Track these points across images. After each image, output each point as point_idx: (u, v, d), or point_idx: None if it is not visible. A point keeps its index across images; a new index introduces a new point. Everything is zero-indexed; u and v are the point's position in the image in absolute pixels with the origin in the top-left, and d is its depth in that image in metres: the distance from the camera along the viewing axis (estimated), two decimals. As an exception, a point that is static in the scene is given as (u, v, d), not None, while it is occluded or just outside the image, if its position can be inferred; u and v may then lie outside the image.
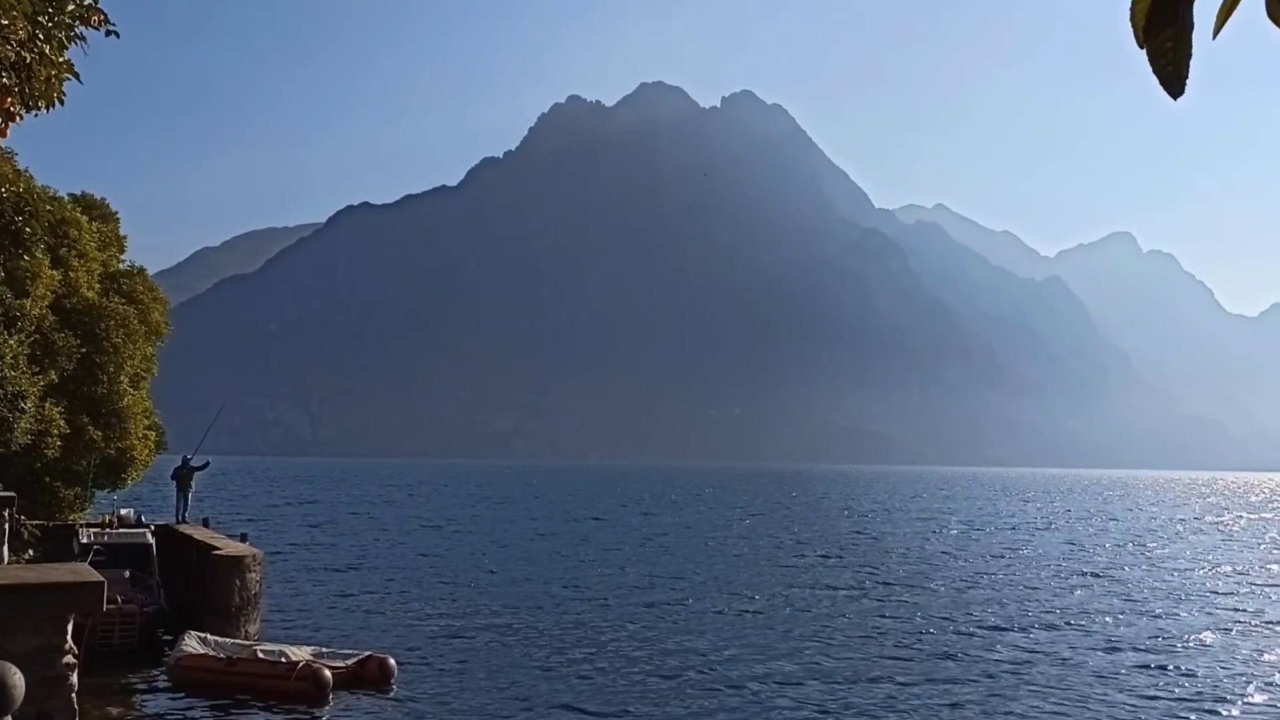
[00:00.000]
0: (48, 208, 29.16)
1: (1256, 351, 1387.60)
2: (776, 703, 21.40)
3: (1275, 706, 21.87)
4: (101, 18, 7.17)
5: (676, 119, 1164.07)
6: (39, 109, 6.89)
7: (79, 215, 32.09)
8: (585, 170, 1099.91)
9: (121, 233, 36.45)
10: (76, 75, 6.97)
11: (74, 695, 8.38)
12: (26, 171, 28.20)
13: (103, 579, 8.30)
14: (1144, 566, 51.00)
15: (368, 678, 22.30)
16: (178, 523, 34.06)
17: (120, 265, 36.14)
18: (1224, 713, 21.29)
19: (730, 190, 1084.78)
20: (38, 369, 28.08)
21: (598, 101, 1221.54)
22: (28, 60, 6.53)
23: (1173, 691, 23.07)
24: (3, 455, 26.44)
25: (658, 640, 27.91)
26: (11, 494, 21.11)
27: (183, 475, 35.46)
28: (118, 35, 7.44)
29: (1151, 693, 22.96)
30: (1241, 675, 24.81)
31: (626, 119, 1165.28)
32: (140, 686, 22.16)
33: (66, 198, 33.17)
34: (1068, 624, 32.25)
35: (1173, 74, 2.44)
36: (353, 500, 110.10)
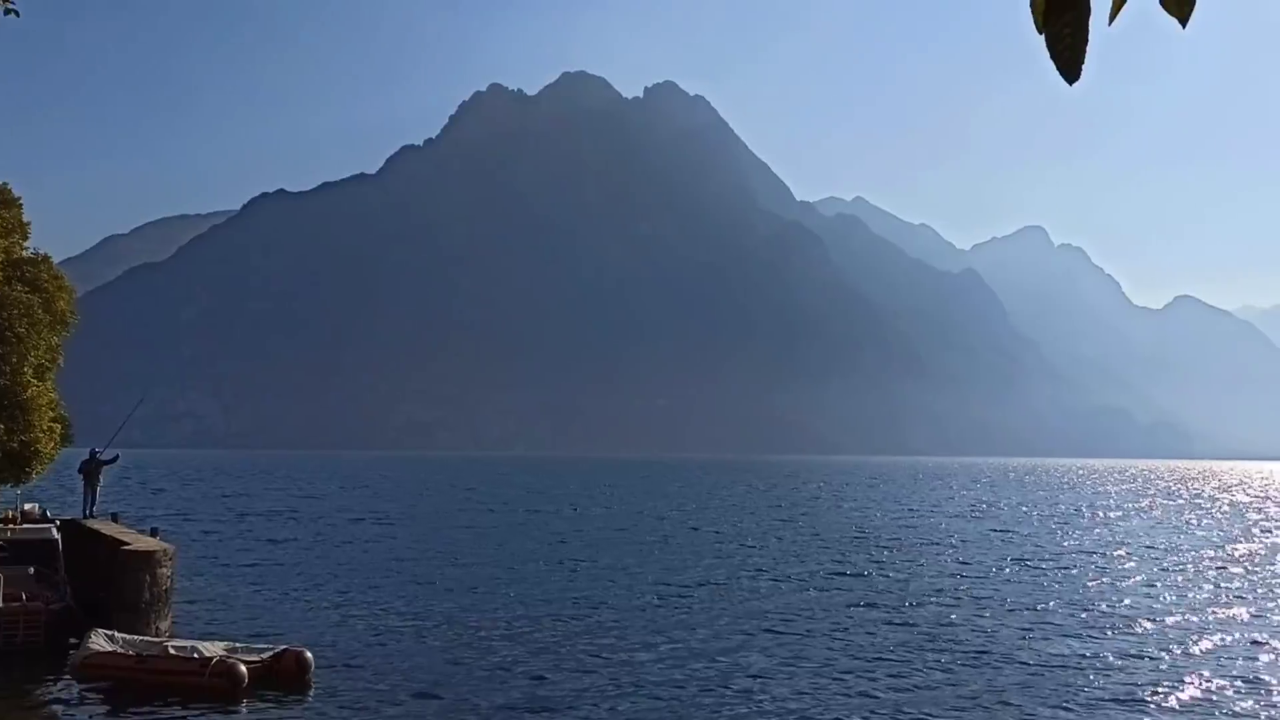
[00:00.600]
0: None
1: (1160, 343, 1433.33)
2: (703, 700, 21.24)
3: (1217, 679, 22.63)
4: None
5: (599, 109, 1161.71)
6: None
7: (-22, 201, 30.94)
8: (507, 159, 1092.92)
9: (24, 219, 35.26)
10: None
11: None
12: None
13: None
14: (1073, 552, 52.38)
15: (284, 672, 21.90)
16: (85, 518, 33.15)
17: (23, 252, 34.94)
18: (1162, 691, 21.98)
19: (653, 181, 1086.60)
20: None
21: (520, 90, 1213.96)
22: None
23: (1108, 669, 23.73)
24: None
25: (583, 634, 27.76)
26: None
27: (90, 469, 34.47)
28: (17, 14, 7.03)
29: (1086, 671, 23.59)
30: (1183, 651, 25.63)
31: (549, 108, 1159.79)
32: (46, 687, 21.52)
33: (-36, 183, 31.97)
34: (1007, 607, 32.98)
35: (1069, 60, 2.53)
36: (268, 494, 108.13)
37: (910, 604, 33.77)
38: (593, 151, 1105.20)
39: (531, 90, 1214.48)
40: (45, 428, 33.37)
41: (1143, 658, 25.48)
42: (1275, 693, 22.02)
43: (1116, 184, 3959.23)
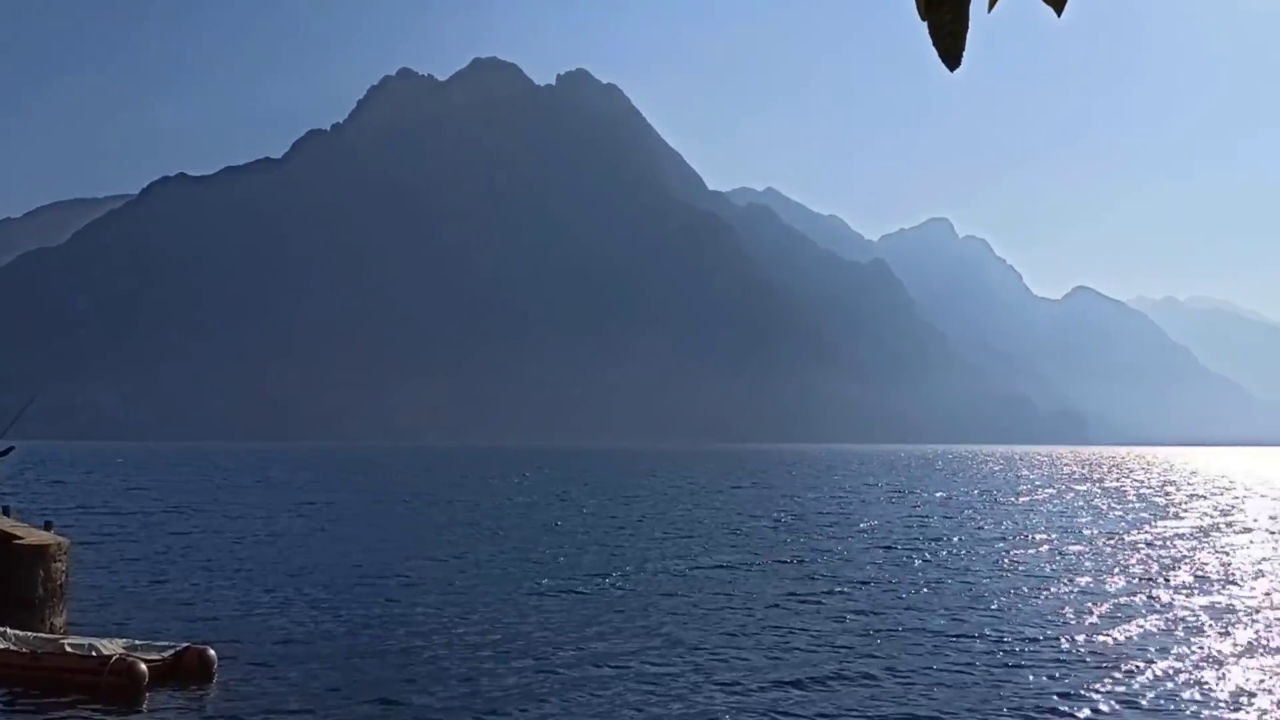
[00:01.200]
0: None
1: (1060, 332, 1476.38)
2: (609, 687, 21.28)
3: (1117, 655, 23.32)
4: None
5: (511, 96, 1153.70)
6: None
7: None
8: (417, 146, 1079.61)
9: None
10: None
11: None
12: None
13: None
14: (978, 536, 53.57)
15: (186, 670, 21.40)
16: (-26, 512, 31.83)
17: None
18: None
19: (566, 170, 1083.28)
20: None
21: (430, 76, 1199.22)
22: None
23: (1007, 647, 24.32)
24: None
25: (494, 626, 27.48)
26: None
27: (-20, 462, 33.11)
28: None
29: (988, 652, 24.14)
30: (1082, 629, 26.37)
31: (459, 95, 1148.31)
32: (-68, 688, 20.66)
33: None
34: (907, 590, 33.59)
35: (950, 46, 2.61)
36: (170, 486, 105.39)
37: (835, 591, 34.27)
38: (504, 139, 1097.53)
39: (442, 76, 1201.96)
40: (-69, 420, 31.99)
41: (1058, 637, 26.31)
42: (1181, 660, 22.91)
43: (1016, 176, 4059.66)
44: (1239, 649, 25.30)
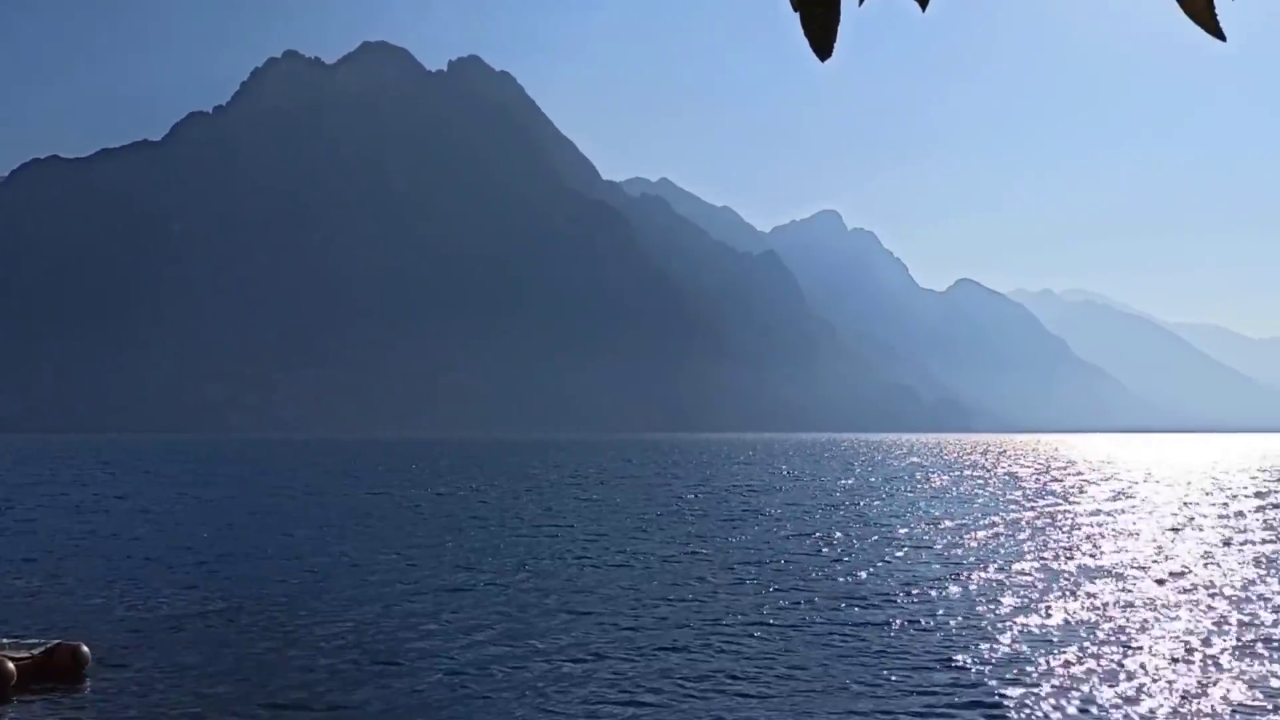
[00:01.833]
0: None
1: (944, 323, 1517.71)
2: (483, 682, 20.87)
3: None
4: None
5: (401, 82, 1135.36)
6: None
7: None
8: (303, 131, 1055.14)
9: None
10: None
11: None
12: None
13: None
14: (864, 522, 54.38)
15: (57, 668, 20.57)
16: None
17: None
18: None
19: (456, 158, 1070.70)
20: None
21: (317, 59, 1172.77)
22: None
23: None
24: None
25: (367, 622, 26.76)
26: None
27: None
28: None
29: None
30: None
31: (348, 79, 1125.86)
32: None
33: None
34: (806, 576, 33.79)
35: (820, 38, 2.69)
36: (37, 480, 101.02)
37: (723, 580, 34.32)
38: (393, 126, 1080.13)
39: (330, 59, 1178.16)
40: None
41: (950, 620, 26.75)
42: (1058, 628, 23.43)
43: (904, 170, 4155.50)
44: (1145, 621, 26.37)
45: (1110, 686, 19.95)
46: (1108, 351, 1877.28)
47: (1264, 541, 44.54)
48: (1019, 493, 78.08)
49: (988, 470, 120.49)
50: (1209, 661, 21.85)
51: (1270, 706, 18.57)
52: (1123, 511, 60.16)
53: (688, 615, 27.17)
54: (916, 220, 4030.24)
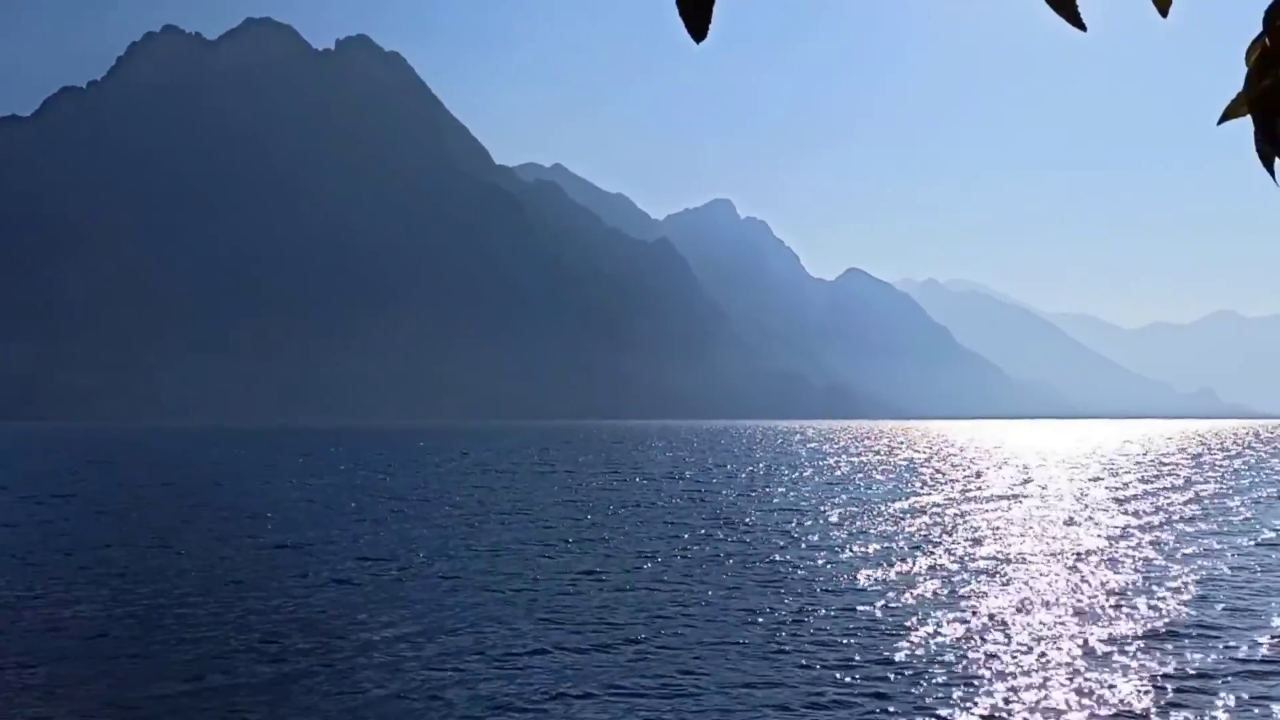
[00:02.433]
0: None
1: (833, 312, 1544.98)
2: (392, 678, 19.26)
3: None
4: None
5: (285, 60, 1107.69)
6: None
7: None
8: (183, 109, 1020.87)
9: None
10: None
11: None
12: None
13: None
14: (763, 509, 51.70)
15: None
16: None
17: None
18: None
19: (343, 139, 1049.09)
20: None
21: (198, 34, 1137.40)
22: None
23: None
24: None
25: (247, 619, 24.59)
26: None
27: None
28: None
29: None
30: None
31: (231, 56, 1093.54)
32: None
33: None
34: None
35: (695, 18, 2.68)
36: None
37: (614, 570, 31.98)
38: (277, 105, 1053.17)
39: (211, 35, 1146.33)
40: None
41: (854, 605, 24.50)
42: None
43: (795, 160, 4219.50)
44: (1035, 597, 26.77)
45: (1024, 674, 19.26)
46: (989, 340, 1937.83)
47: (1161, 525, 44.53)
48: (919, 479, 76.92)
49: (886, 456, 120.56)
50: (1118, 644, 21.53)
51: (1170, 689, 18.14)
52: (1026, 497, 60.08)
53: (587, 609, 25.29)
54: (807, 210, 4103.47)
